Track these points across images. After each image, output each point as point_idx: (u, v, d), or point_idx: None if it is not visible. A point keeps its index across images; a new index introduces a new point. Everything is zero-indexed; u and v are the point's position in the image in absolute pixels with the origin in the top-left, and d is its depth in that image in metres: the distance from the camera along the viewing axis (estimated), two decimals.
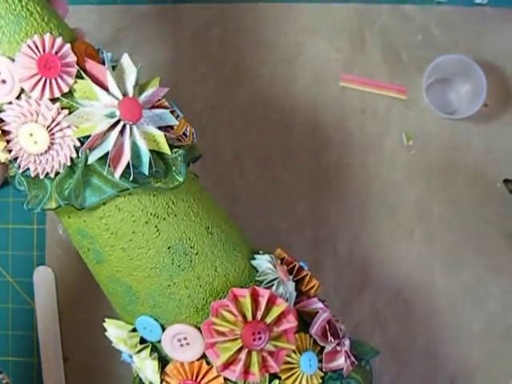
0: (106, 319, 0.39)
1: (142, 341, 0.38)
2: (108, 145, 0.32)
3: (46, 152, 0.32)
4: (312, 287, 0.40)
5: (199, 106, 0.58)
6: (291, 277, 0.39)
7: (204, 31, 0.59)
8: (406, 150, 0.58)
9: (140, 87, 0.34)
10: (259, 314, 0.34)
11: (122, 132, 0.32)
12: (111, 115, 0.31)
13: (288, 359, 0.36)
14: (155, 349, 0.38)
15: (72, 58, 0.32)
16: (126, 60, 0.33)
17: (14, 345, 0.58)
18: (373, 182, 0.58)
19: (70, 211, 0.35)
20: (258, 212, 0.57)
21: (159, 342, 0.37)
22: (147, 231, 0.35)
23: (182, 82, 0.58)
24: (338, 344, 0.39)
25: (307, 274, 0.40)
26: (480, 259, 0.57)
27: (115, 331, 0.39)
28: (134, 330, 0.38)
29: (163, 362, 0.38)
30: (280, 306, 0.34)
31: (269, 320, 0.34)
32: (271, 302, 0.35)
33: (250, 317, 0.34)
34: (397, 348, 0.57)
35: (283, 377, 0.37)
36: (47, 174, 0.33)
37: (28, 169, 0.33)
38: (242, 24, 0.59)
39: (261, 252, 0.39)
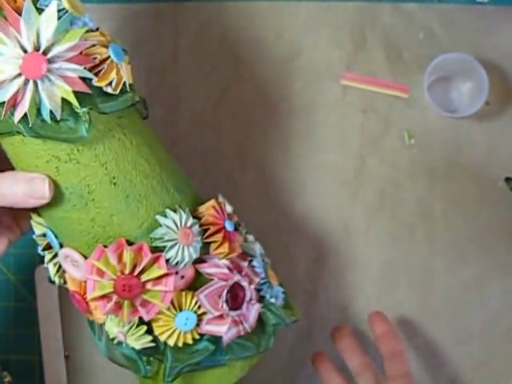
0: (32, 214, 0.42)
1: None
2: (6, 94, 0.33)
3: None
4: (220, 253, 0.40)
5: (200, 105, 0.58)
6: (199, 238, 0.39)
7: (204, 30, 0.59)
8: (407, 148, 0.58)
9: (64, 38, 0.34)
10: (137, 270, 0.36)
11: (26, 83, 0.34)
12: (15, 67, 0.33)
13: (165, 311, 0.38)
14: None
15: None
16: (49, 9, 0.33)
17: (16, 343, 0.58)
18: (374, 181, 0.58)
19: None
20: (258, 210, 0.57)
21: None
22: (48, 169, 0.37)
23: (182, 81, 0.59)
24: (234, 309, 0.39)
25: (218, 241, 0.40)
26: (482, 258, 0.57)
27: (36, 230, 0.42)
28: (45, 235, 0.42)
29: None
30: (161, 269, 0.36)
31: (145, 278, 0.36)
32: (154, 262, 0.36)
33: (127, 269, 0.35)
34: None
35: (154, 324, 0.38)
36: None
37: None
38: (242, 22, 0.59)
39: (178, 207, 0.39)
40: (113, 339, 0.41)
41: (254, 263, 0.43)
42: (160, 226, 0.38)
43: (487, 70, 0.54)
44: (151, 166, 0.39)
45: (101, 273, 0.36)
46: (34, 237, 0.43)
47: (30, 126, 0.34)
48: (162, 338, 0.39)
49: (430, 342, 0.57)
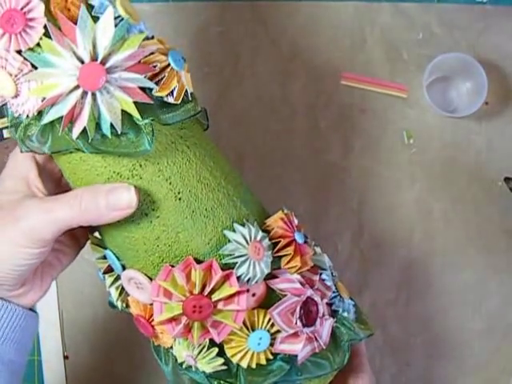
0: (91, 236, 0.41)
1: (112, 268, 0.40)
2: (63, 108, 0.31)
3: (16, 97, 0.33)
4: (292, 267, 0.38)
5: (200, 105, 0.58)
6: (270, 252, 0.37)
7: (205, 30, 0.59)
8: (406, 148, 0.58)
9: (122, 46, 0.32)
10: (207, 290, 0.34)
11: (84, 95, 0.31)
12: (72, 79, 0.31)
13: (237, 331, 0.35)
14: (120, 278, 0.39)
15: (38, 14, 0.31)
16: (105, 16, 0.31)
17: None
18: (373, 181, 0.58)
19: None
20: None
21: None
22: None
23: None
24: (308, 326, 0.37)
25: (289, 254, 0.38)
26: (481, 257, 0.57)
27: (94, 253, 0.40)
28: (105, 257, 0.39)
29: None
30: (232, 288, 0.34)
31: (216, 297, 0.34)
32: (225, 280, 0.34)
33: (197, 289, 0.33)
34: (397, 347, 0.57)
35: (226, 346, 0.36)
36: (27, 115, 0.33)
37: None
38: (242, 23, 0.59)
39: (246, 221, 0.37)
40: (181, 364, 0.39)
41: (324, 276, 0.41)
42: (229, 241, 0.35)
43: (486, 70, 0.54)
44: (216, 178, 0.37)
45: (168, 294, 0.34)
46: (93, 260, 0.40)
47: (90, 141, 0.32)
48: (234, 360, 0.36)
49: (430, 341, 0.57)
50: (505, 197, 0.57)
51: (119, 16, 0.33)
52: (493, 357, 0.57)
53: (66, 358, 0.57)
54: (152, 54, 0.33)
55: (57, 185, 0.39)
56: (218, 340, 0.35)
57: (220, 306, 0.34)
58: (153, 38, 0.36)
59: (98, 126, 0.32)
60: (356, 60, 0.59)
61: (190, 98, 0.36)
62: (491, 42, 0.58)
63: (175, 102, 0.34)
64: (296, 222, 0.41)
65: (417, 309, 0.57)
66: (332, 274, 0.43)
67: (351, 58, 0.59)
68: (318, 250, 0.43)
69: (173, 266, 0.35)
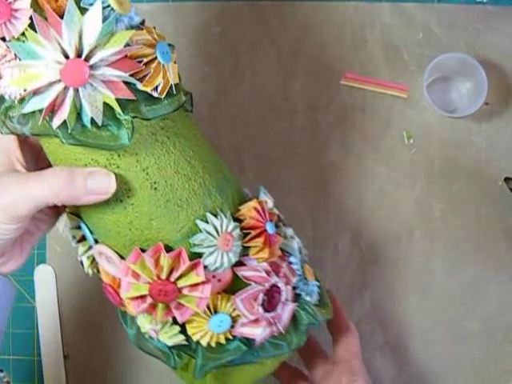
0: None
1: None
2: (44, 101, 0.31)
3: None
4: (260, 258, 0.38)
5: (199, 104, 0.58)
6: (239, 242, 0.37)
7: (205, 29, 0.59)
8: (406, 148, 0.58)
9: (109, 41, 0.31)
10: (174, 276, 0.34)
11: (66, 88, 0.31)
12: (55, 73, 0.31)
13: (199, 313, 0.37)
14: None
15: (24, 5, 0.31)
16: (93, 10, 0.31)
17: (15, 343, 0.58)
18: (373, 181, 0.58)
19: None
20: None
21: None
22: None
23: (182, 80, 0.58)
24: (269, 312, 0.38)
25: (256, 246, 0.38)
26: (481, 258, 0.57)
27: (69, 222, 0.41)
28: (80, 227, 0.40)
29: None
30: (198, 277, 0.35)
31: (181, 284, 0.35)
32: (192, 269, 0.35)
33: (164, 274, 0.34)
34: (397, 347, 0.57)
35: (188, 325, 0.37)
36: (9, 96, 0.33)
37: None
38: (242, 22, 0.59)
39: (220, 211, 0.37)
40: (144, 334, 0.40)
41: (292, 259, 0.42)
42: (200, 231, 0.36)
43: (486, 70, 0.54)
44: (194, 168, 0.37)
45: (136, 276, 0.35)
46: (68, 228, 0.41)
47: (70, 132, 0.32)
48: (194, 339, 0.38)
49: (430, 340, 0.57)
50: (505, 197, 0.57)
51: (109, 6, 0.32)
52: (493, 357, 0.57)
53: (65, 357, 0.57)
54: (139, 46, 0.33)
55: (37, 157, 0.40)
56: (180, 321, 0.36)
57: (185, 291, 0.35)
58: (143, 23, 0.36)
59: (79, 117, 0.32)
60: (356, 60, 0.59)
61: (175, 91, 0.36)
62: (491, 42, 0.58)
63: (159, 96, 0.34)
64: (271, 205, 0.41)
65: (416, 308, 0.57)
66: (301, 253, 0.43)
67: (351, 57, 0.59)
68: (289, 232, 0.43)
69: (143, 250, 0.36)
